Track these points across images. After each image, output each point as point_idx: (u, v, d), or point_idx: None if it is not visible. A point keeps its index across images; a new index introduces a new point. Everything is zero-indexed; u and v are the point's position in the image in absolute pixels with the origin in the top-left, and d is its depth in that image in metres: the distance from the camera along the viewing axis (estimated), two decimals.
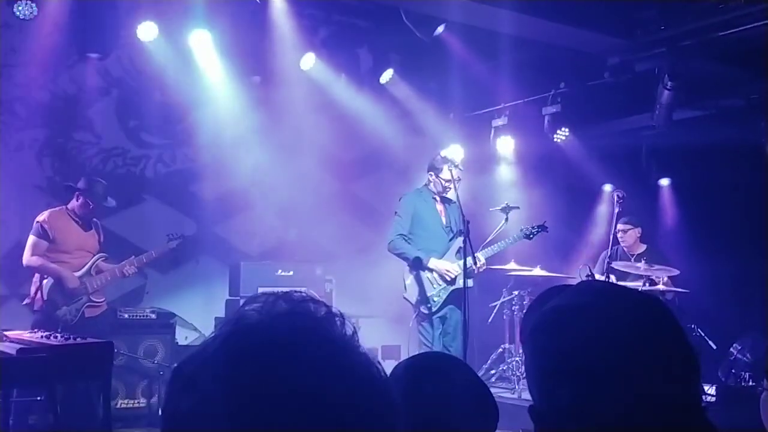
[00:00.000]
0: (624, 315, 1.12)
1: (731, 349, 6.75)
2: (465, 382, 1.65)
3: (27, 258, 5.93)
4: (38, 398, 5.50)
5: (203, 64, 7.51)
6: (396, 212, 6.46)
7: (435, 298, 6.25)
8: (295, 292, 0.88)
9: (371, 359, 0.85)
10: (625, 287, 1.23)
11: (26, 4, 6.11)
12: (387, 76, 8.28)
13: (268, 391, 0.78)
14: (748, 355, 6.67)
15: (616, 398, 1.06)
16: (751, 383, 6.36)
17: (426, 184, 6.53)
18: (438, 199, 6.47)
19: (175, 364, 0.88)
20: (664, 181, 9.18)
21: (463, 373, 1.68)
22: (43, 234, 5.92)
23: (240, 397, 0.78)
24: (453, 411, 1.57)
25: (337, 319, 0.86)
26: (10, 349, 4.06)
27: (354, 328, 0.87)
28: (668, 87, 6.94)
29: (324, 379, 0.79)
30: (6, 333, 4.49)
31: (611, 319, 1.12)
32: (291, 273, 7.77)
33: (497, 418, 1.63)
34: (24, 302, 6.03)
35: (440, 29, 7.09)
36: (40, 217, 5.97)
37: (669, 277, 6.91)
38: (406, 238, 6.34)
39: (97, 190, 6.12)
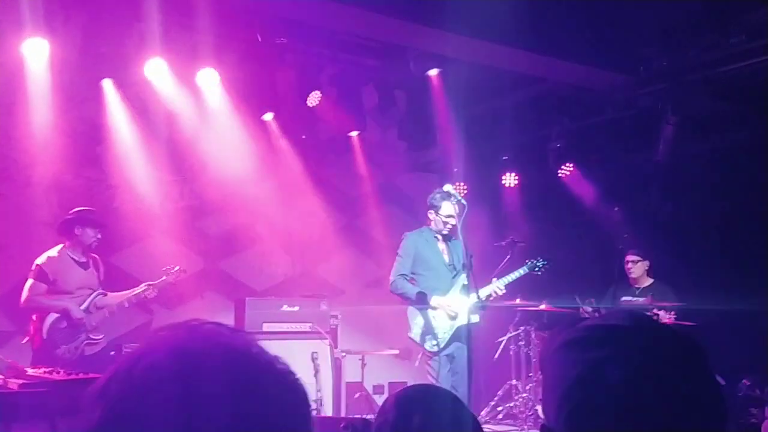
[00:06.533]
0: (658, 343, 1.12)
1: (740, 385, 6.68)
2: (454, 414, 1.65)
3: (23, 299, 5.86)
4: None
5: (210, 101, 7.59)
6: (398, 252, 6.47)
7: (440, 336, 6.21)
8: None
9: (277, 361, 0.91)
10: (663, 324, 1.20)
11: None
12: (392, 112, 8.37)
13: (172, 389, 0.82)
14: (757, 390, 6.60)
15: (635, 422, 1.04)
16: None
17: (427, 224, 6.55)
18: (440, 237, 6.46)
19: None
20: (670, 215, 9.12)
21: (452, 406, 1.68)
22: (42, 276, 5.88)
23: (147, 398, 0.82)
24: None
25: (242, 334, 0.92)
26: (12, 384, 4.07)
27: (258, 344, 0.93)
28: (671, 122, 6.98)
29: (235, 377, 0.85)
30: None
31: (644, 345, 1.11)
32: (296, 308, 7.74)
33: None
34: (24, 341, 6.02)
35: (433, 72, 7.21)
36: (39, 260, 5.92)
37: (676, 311, 6.86)
38: (408, 278, 6.33)
39: (95, 217, 6.18)
